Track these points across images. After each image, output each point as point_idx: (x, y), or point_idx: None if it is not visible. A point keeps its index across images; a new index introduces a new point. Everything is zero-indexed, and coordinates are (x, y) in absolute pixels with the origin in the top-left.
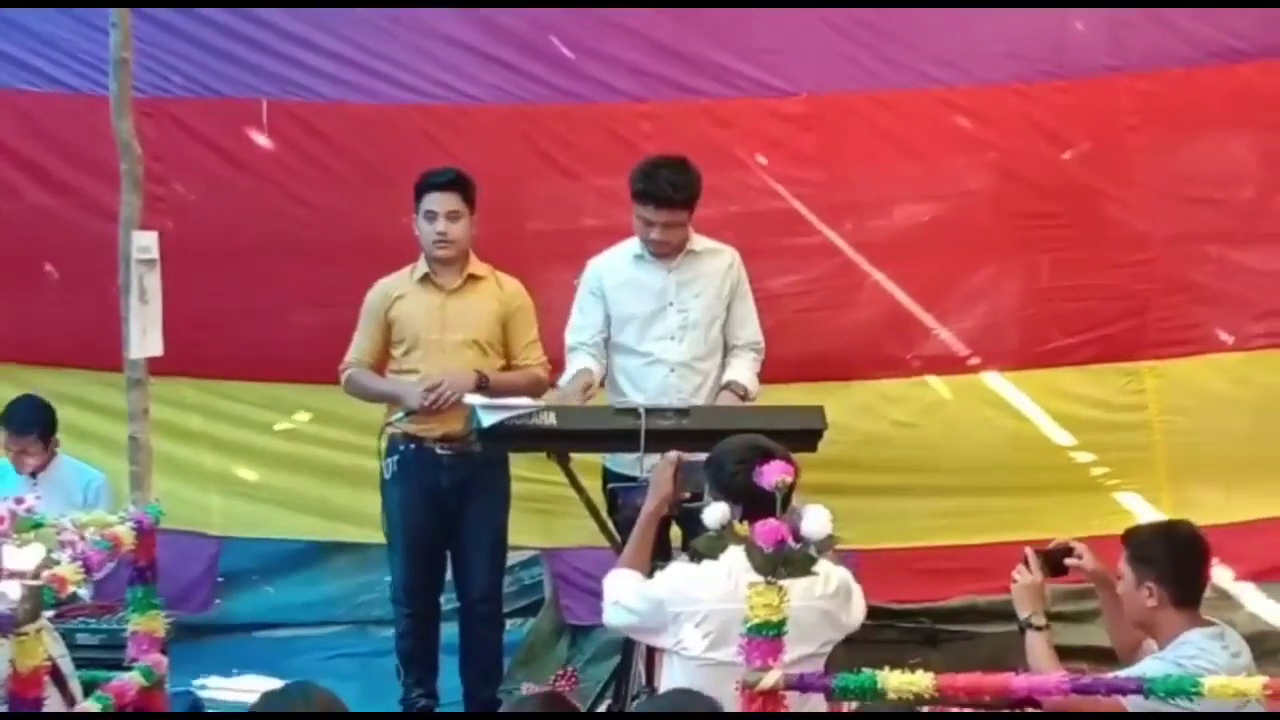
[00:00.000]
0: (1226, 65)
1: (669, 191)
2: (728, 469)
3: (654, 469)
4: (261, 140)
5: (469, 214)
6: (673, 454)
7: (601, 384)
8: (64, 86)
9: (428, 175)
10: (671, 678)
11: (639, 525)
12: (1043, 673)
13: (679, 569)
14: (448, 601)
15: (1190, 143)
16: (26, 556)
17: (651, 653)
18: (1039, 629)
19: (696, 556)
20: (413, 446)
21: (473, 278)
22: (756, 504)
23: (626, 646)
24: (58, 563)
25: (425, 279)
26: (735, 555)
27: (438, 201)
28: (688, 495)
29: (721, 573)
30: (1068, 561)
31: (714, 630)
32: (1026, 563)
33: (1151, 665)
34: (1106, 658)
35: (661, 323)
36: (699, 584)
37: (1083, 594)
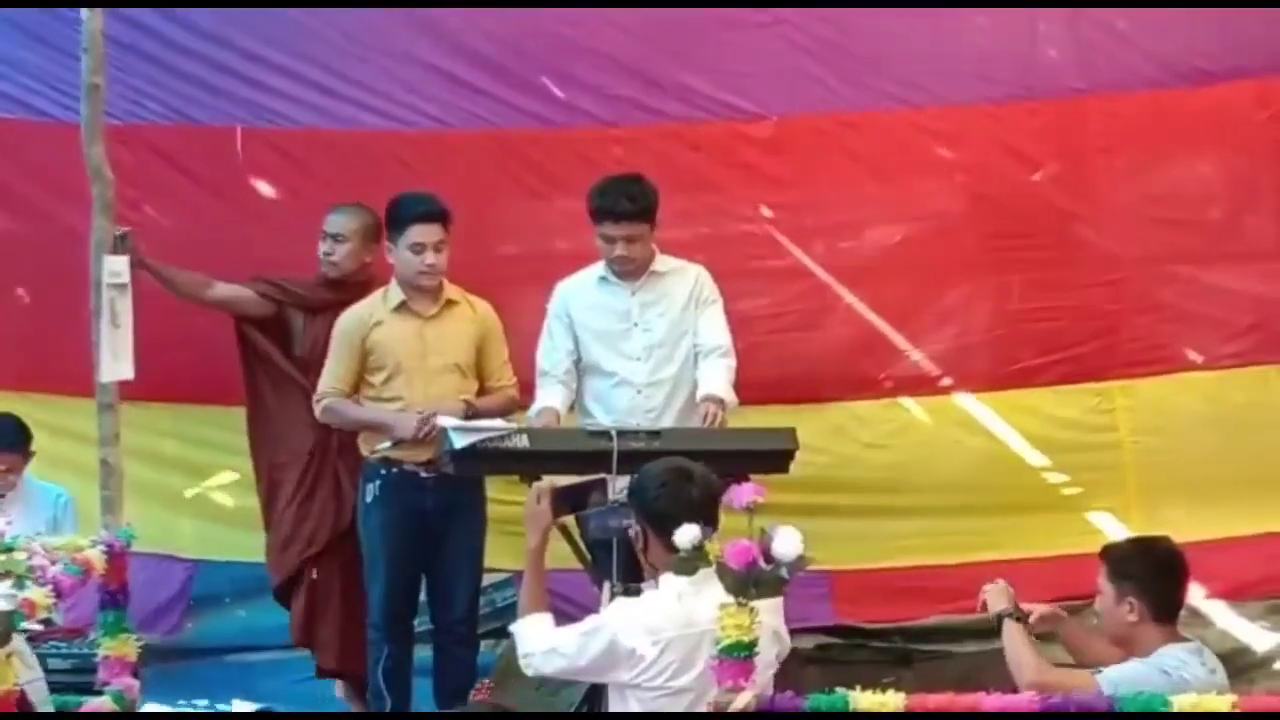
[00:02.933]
0: (1194, 87)
1: (625, 204)
2: (650, 493)
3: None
4: (236, 166)
5: (448, 242)
6: (544, 483)
7: (571, 407)
8: (36, 112)
9: (409, 205)
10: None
11: (527, 565)
12: (1023, 663)
13: (622, 603)
14: (420, 624)
15: (1159, 164)
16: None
17: None
18: (1018, 619)
19: (630, 590)
20: (394, 471)
21: (449, 303)
22: (678, 526)
23: None
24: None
25: (402, 306)
26: (677, 581)
27: (425, 234)
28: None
29: (670, 598)
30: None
31: (677, 659)
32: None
33: (1135, 668)
34: None
35: (627, 343)
36: (652, 614)
37: None
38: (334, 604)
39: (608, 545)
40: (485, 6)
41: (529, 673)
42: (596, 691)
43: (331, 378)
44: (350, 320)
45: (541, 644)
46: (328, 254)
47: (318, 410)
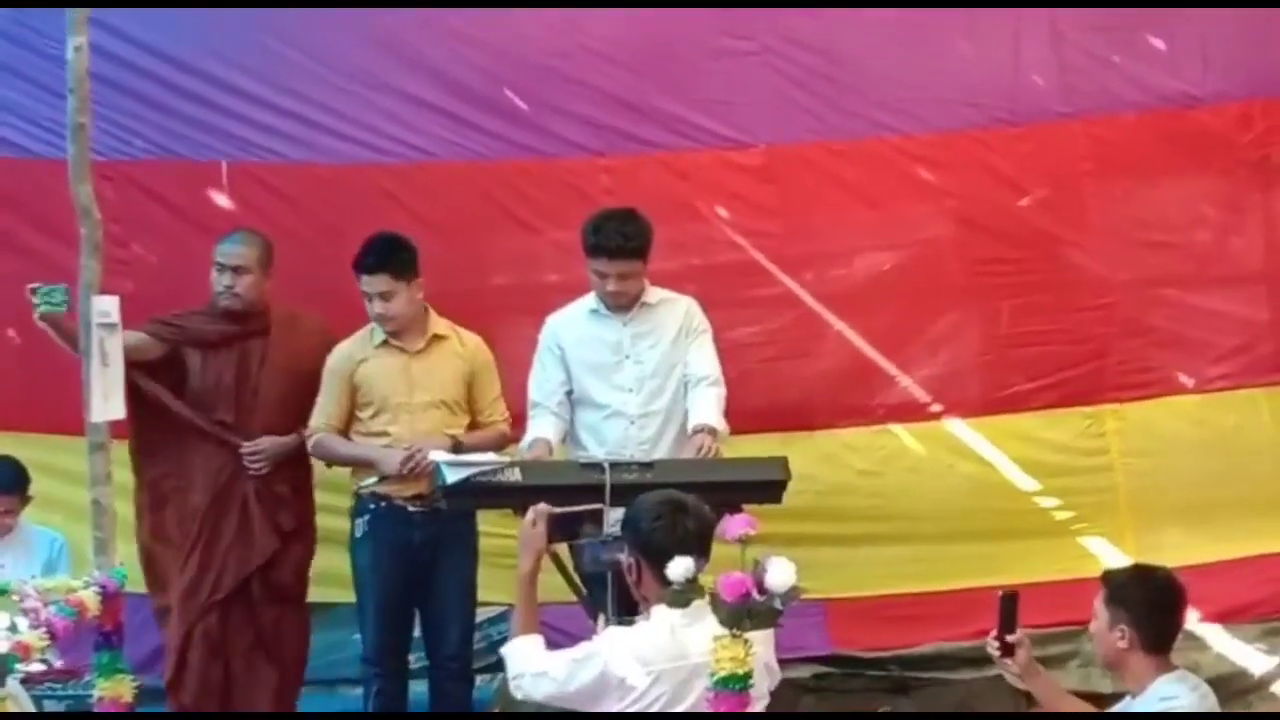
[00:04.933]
0: (1178, 110)
1: (620, 242)
2: (644, 526)
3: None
4: (221, 201)
5: (405, 285)
6: (542, 506)
7: (564, 440)
8: (24, 151)
9: (360, 254)
10: None
11: (519, 588)
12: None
13: (615, 632)
14: (417, 660)
15: (1145, 187)
16: None
17: None
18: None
19: (625, 623)
20: (383, 505)
21: (436, 338)
22: (672, 559)
23: None
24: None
25: (386, 343)
26: (669, 613)
27: (368, 284)
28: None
29: (663, 630)
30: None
31: (668, 690)
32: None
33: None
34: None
35: (619, 375)
36: (644, 645)
37: (1049, 639)
38: (221, 654)
39: (602, 579)
40: (485, 6)
41: (518, 695)
42: None
43: (322, 414)
44: (337, 358)
45: (532, 666)
46: (230, 286)
47: (309, 445)
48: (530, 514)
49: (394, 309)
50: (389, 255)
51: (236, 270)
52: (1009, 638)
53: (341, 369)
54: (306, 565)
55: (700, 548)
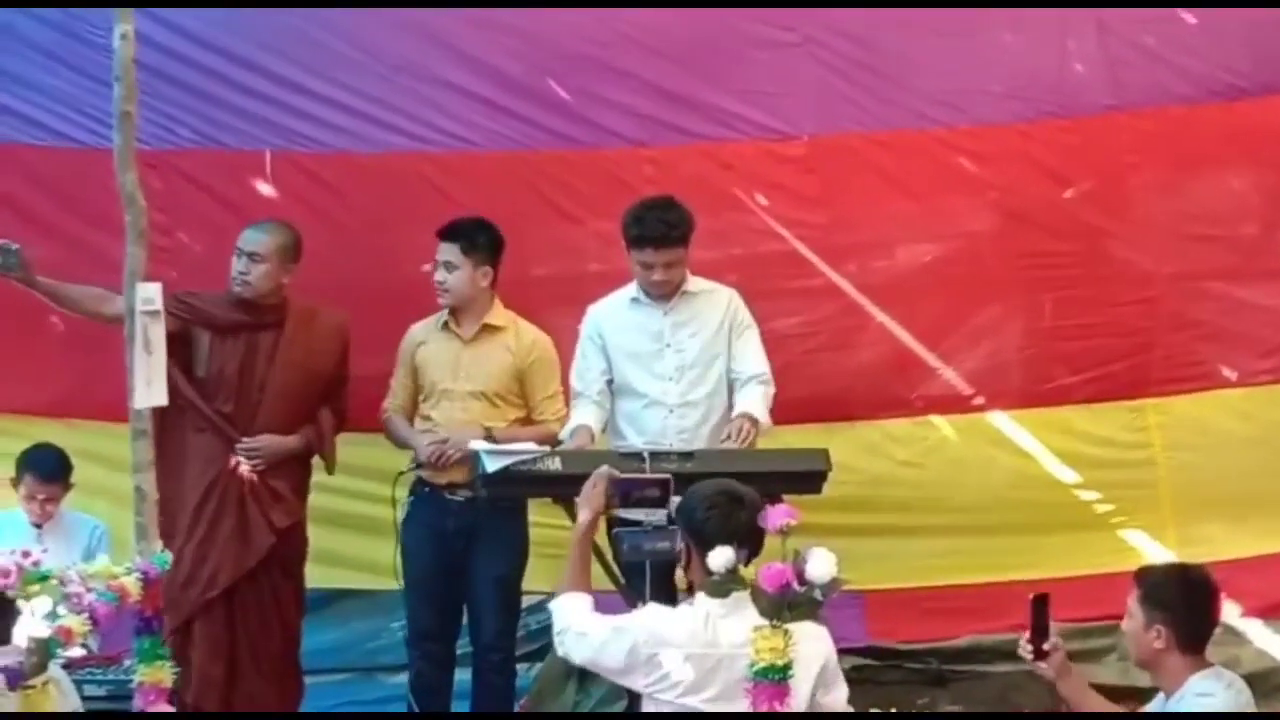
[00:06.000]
0: (1226, 103)
1: (664, 230)
2: (698, 514)
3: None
4: (265, 190)
5: (471, 264)
6: (604, 469)
7: (604, 429)
8: (69, 140)
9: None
10: None
11: (574, 542)
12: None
13: (654, 610)
14: (463, 645)
15: (1192, 180)
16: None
17: None
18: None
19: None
20: (427, 489)
21: (489, 328)
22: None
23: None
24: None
25: (446, 325)
26: (709, 602)
27: (439, 250)
28: (616, 507)
29: (699, 617)
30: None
31: (692, 676)
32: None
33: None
34: (1118, 695)
35: (659, 364)
36: (675, 627)
37: (1089, 632)
38: (222, 652)
39: (641, 568)
40: (517, 6)
41: (559, 651)
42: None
43: (391, 394)
44: (406, 338)
45: (577, 624)
46: (242, 273)
47: (382, 422)
48: (594, 475)
49: (452, 281)
50: (466, 229)
51: (252, 257)
52: (1044, 645)
53: (406, 350)
54: (301, 562)
55: (752, 540)
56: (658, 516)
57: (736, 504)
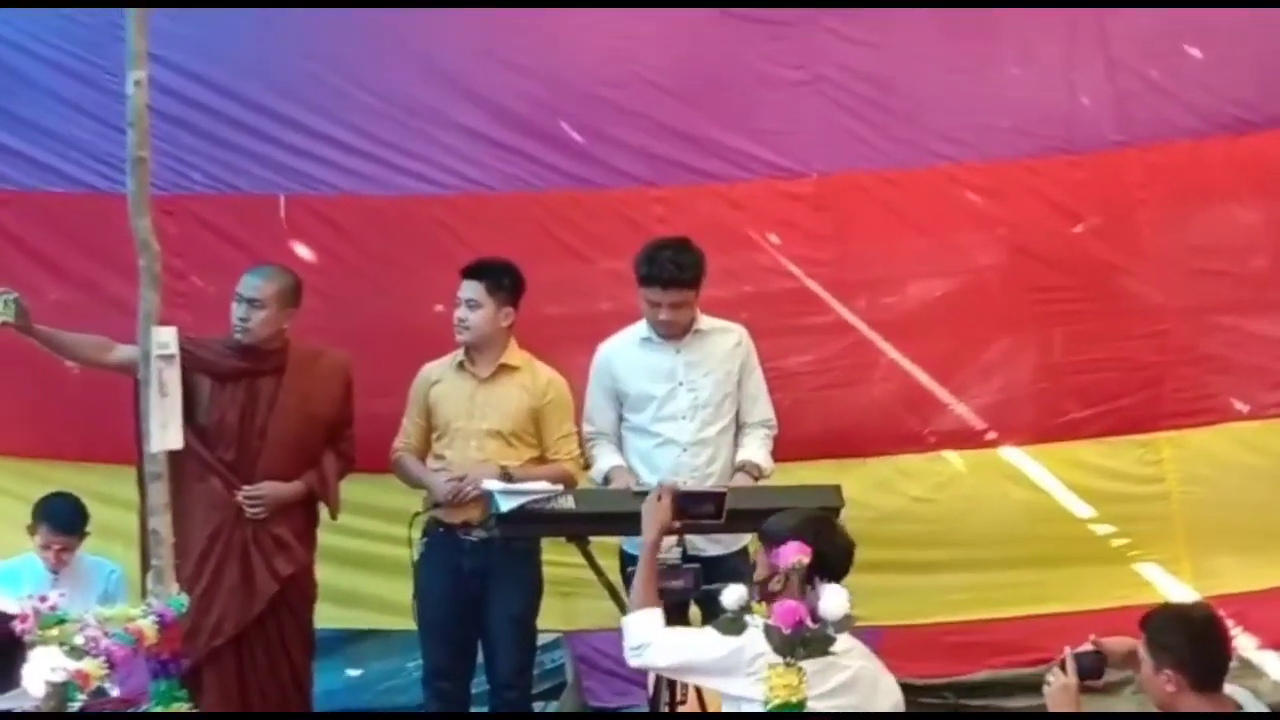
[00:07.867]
0: (1233, 136)
1: (674, 271)
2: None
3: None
4: (279, 233)
5: (494, 304)
6: (669, 483)
7: None
8: (84, 186)
9: None
10: None
11: (643, 561)
12: None
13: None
14: (479, 685)
15: (1200, 214)
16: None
17: None
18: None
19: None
20: (441, 530)
21: (505, 367)
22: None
23: None
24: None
25: (461, 365)
26: None
27: (461, 289)
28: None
29: None
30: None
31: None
32: (1063, 665)
33: None
34: None
35: (672, 403)
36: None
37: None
38: (233, 698)
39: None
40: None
41: (635, 663)
42: None
43: (403, 433)
44: (419, 377)
45: (660, 635)
46: (242, 319)
47: (391, 462)
48: (655, 489)
49: (474, 319)
50: (491, 270)
51: (251, 303)
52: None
53: (420, 389)
54: (309, 605)
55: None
56: (673, 555)
57: (825, 531)
